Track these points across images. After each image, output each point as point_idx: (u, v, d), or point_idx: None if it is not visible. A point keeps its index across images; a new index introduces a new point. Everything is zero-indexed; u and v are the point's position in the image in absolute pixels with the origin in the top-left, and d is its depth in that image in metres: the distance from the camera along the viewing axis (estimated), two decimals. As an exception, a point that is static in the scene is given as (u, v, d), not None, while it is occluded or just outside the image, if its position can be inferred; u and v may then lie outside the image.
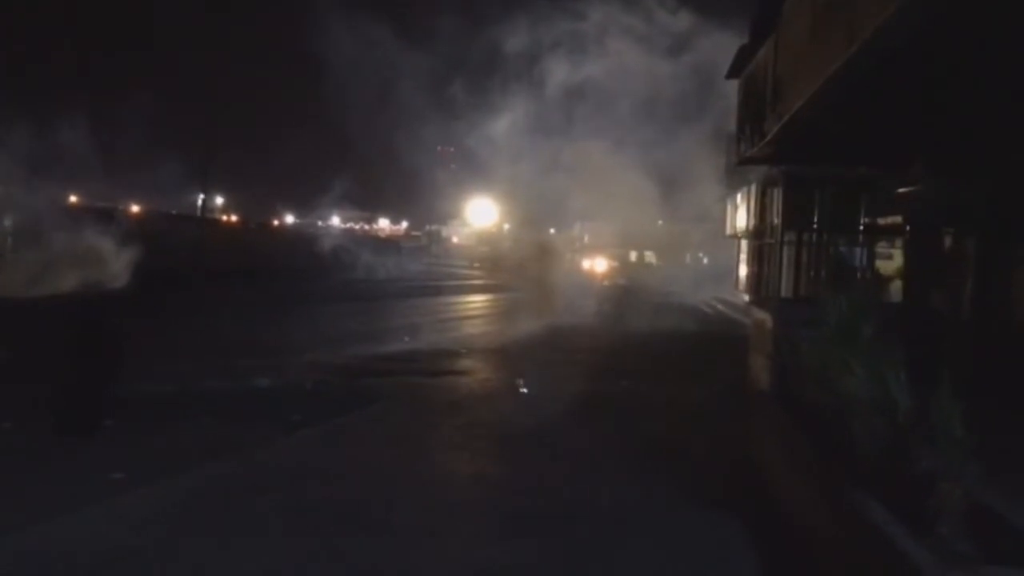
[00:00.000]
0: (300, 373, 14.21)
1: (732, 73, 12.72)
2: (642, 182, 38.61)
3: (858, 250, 12.66)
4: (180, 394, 12.32)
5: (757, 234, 12.57)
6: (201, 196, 53.27)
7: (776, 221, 11.69)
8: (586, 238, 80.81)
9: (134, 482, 7.72)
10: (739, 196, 30.57)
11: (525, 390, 13.26)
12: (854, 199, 12.04)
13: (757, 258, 12.60)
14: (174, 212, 47.55)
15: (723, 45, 25.58)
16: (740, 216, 30.07)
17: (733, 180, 31.65)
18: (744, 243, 32.98)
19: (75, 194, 49.37)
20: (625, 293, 35.90)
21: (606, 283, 47.02)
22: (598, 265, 59.92)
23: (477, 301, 33.96)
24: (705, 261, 52.74)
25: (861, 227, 12.35)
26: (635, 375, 15.12)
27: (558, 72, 35.64)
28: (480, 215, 75.45)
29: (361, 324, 22.64)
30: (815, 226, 11.83)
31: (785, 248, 11.81)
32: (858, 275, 12.05)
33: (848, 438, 5.79)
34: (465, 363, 16.27)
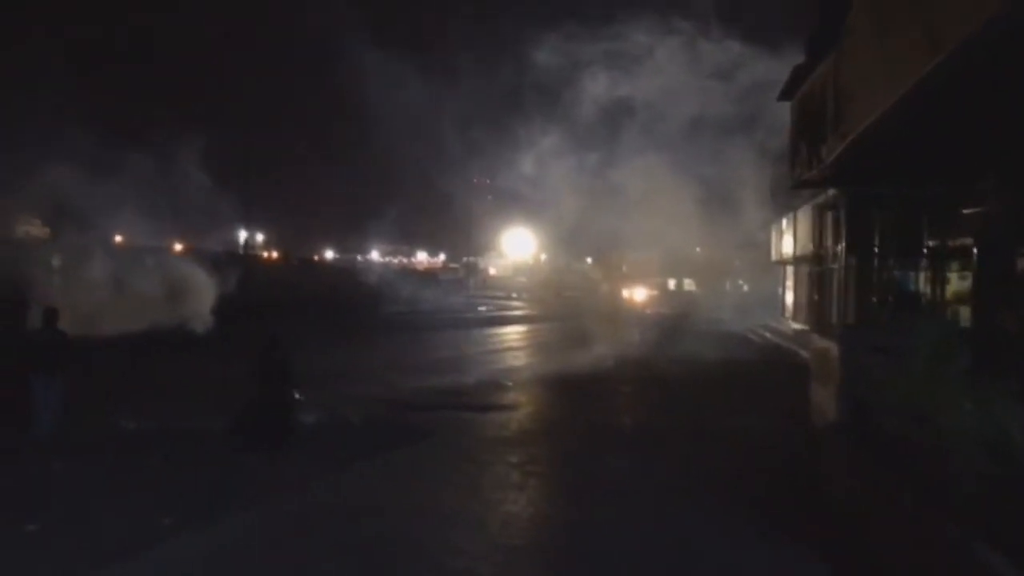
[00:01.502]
0: (347, 407, 14.04)
1: (785, 95, 12.41)
2: (681, 209, 38.22)
3: (912, 274, 12.16)
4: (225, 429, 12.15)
5: (817, 259, 12.10)
6: (244, 233, 54.00)
7: (838, 245, 11.25)
8: (624, 267, 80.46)
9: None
10: (785, 222, 30.07)
11: (580, 422, 12.87)
12: (916, 220, 11.59)
13: (817, 284, 12.11)
14: (218, 249, 48.07)
15: (767, 68, 25.24)
16: (787, 242, 29.53)
17: (778, 206, 31.22)
18: (790, 269, 32.48)
19: (118, 233, 50.32)
20: (668, 322, 35.30)
21: (648, 312, 46.40)
22: (638, 294, 59.29)
23: (518, 332, 33.63)
24: (745, 288, 51.92)
25: (924, 250, 11.86)
26: (690, 406, 14.65)
27: (594, 100, 35.50)
28: (516, 246, 75.54)
29: (406, 357, 22.62)
30: (876, 249, 11.41)
31: (846, 273, 11.37)
32: (920, 300, 11.57)
33: (947, 475, 5.36)
34: (512, 397, 15.90)
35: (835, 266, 11.15)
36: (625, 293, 60.67)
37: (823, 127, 10.39)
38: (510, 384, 17.77)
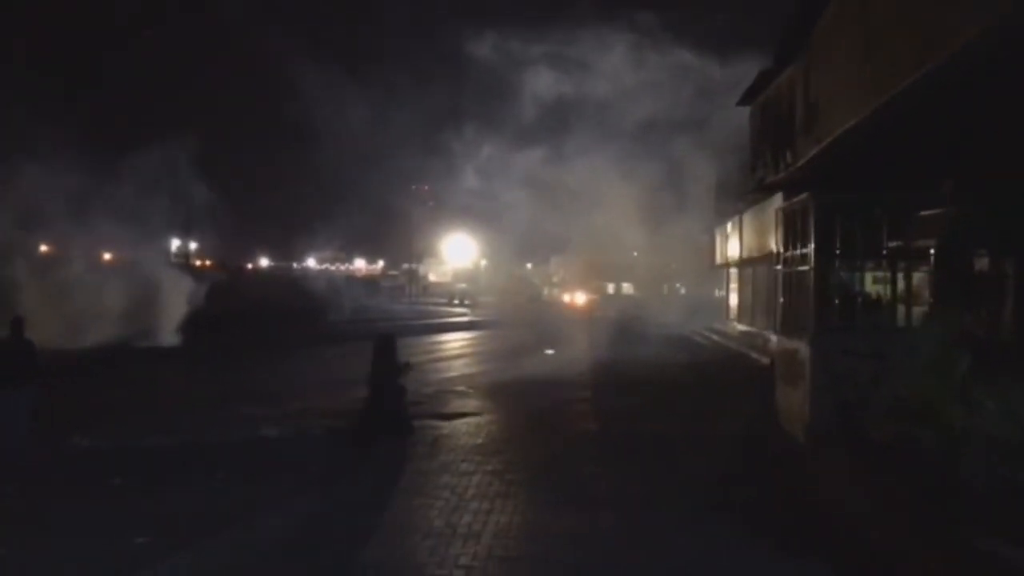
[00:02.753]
0: (307, 420, 13.74)
1: (746, 99, 12.60)
2: (620, 214, 38.61)
3: (876, 276, 12.31)
4: (184, 447, 11.73)
5: (781, 261, 12.25)
6: (176, 242, 52.42)
7: (802, 247, 11.39)
8: (562, 272, 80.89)
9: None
10: (730, 225, 30.61)
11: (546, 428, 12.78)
12: (879, 222, 11.78)
13: (784, 286, 12.25)
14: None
15: (713, 74, 25.75)
16: (732, 245, 30.06)
17: (721, 210, 31.77)
18: (734, 272, 33.06)
19: (44, 243, 48.30)
20: (613, 326, 35.52)
21: (591, 316, 46.61)
22: (578, 298, 59.61)
23: (466, 339, 33.45)
24: (682, 292, 52.71)
25: (884, 251, 12.09)
26: (655, 411, 14.68)
27: (533, 105, 35.59)
28: (456, 252, 75.33)
29: (356, 368, 22.20)
30: (838, 251, 11.55)
31: (813, 275, 11.49)
32: (859, 300, 11.71)
33: (958, 476, 5.42)
34: (474, 403, 15.73)
35: (801, 268, 11.28)
36: (566, 297, 61.04)
37: (790, 131, 10.55)
38: (469, 391, 17.61)
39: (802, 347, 11.06)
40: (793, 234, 11.54)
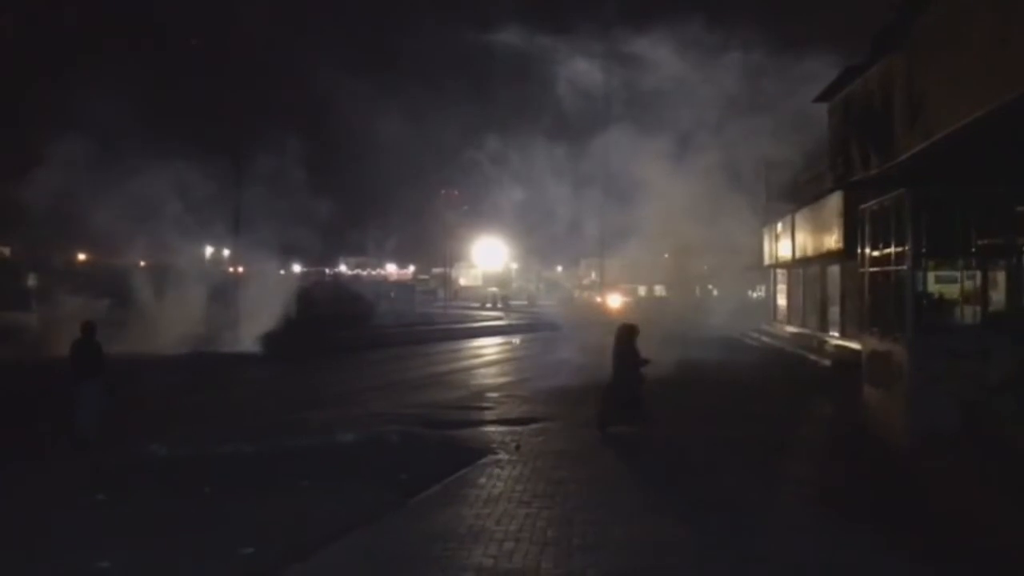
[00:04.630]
0: (377, 425, 13.54)
1: (825, 96, 12.26)
2: (651, 215, 38.20)
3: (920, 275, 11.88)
4: (263, 454, 11.58)
5: (873, 261, 11.86)
6: (209, 249, 52.63)
7: (895, 247, 11.03)
8: (593, 274, 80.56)
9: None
10: (780, 225, 30.10)
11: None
12: (970, 219, 11.39)
13: (875, 287, 11.87)
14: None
15: (762, 73, 25.29)
16: (783, 245, 29.55)
17: (770, 210, 31.30)
18: (781, 273, 32.56)
19: (80, 251, 48.64)
20: (655, 329, 35.06)
21: (627, 319, 46.09)
22: (612, 301, 59.20)
23: (509, 343, 33.22)
24: (715, 293, 52.13)
25: (974, 249, 11.71)
26: (730, 415, 14.30)
27: (566, 109, 35.23)
28: (487, 256, 75.21)
29: (409, 371, 22.34)
30: (934, 250, 11.17)
31: (905, 275, 11.11)
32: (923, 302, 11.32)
33: None
34: (541, 409, 15.44)
35: (892, 267, 10.92)
36: (599, 300, 60.69)
37: (884, 126, 10.21)
38: (528, 396, 17.38)
39: (897, 348, 10.72)
40: (883, 233, 11.20)
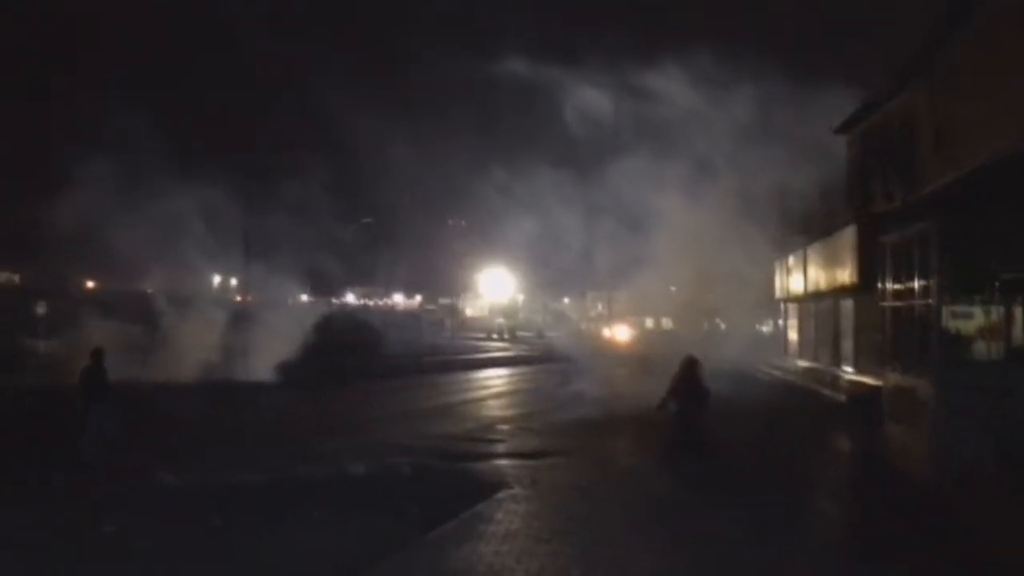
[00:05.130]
0: (389, 456, 13.32)
1: (844, 128, 12.18)
2: (658, 248, 38.03)
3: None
4: (273, 484, 11.38)
5: (894, 295, 11.67)
6: (217, 277, 52.64)
7: (919, 281, 10.85)
8: (600, 306, 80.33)
9: None
10: (792, 258, 29.92)
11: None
12: (990, 251, 11.22)
13: (896, 322, 11.67)
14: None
15: (772, 106, 25.26)
16: (795, 279, 29.34)
17: (781, 242, 31.09)
18: (792, 307, 32.30)
19: (90, 278, 48.62)
20: (665, 362, 34.75)
21: (635, 352, 45.83)
22: (620, 333, 58.84)
23: (519, 374, 32.98)
24: (723, 327, 51.80)
25: (997, 284, 11.52)
26: (750, 449, 14.00)
27: (575, 139, 35.17)
28: (493, 287, 75.07)
29: (419, 400, 22.11)
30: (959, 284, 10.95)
31: (930, 309, 10.91)
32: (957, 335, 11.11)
33: None
34: (554, 442, 15.17)
35: (915, 301, 10.72)
36: (606, 332, 60.36)
37: (907, 158, 10.09)
38: (540, 429, 17.13)
39: (922, 384, 10.51)
40: (905, 266, 11.03)
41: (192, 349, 25.66)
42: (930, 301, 10.16)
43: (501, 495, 10.51)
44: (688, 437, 12.20)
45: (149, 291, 37.06)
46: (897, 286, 11.40)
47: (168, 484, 11.20)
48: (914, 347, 10.90)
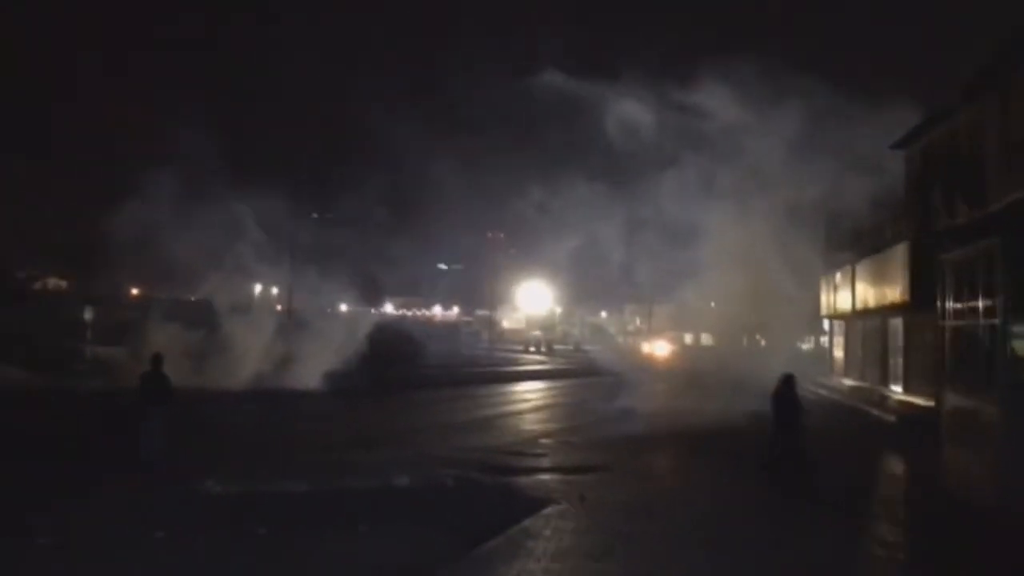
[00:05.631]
0: (431, 468, 13.24)
1: (903, 144, 11.89)
2: (700, 263, 37.54)
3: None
4: (317, 495, 11.34)
5: (955, 314, 11.29)
6: (258, 287, 53.20)
7: (983, 300, 10.47)
8: (638, 321, 79.76)
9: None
10: (839, 275, 29.40)
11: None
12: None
13: (957, 342, 11.29)
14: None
15: (820, 122, 24.76)
16: (842, 297, 28.80)
17: (828, 260, 30.59)
18: (838, 324, 31.71)
19: (134, 285, 49.42)
20: (708, 378, 34.30)
21: (677, 367, 45.31)
22: (659, 348, 58.28)
23: (558, 387, 32.86)
24: (763, 344, 51.02)
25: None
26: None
27: (616, 153, 34.80)
28: (531, 299, 74.93)
29: (459, 412, 22.08)
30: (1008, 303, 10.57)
31: (994, 329, 10.51)
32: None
33: None
34: (599, 457, 14.93)
35: (980, 321, 10.36)
36: (646, 347, 59.81)
37: (973, 174, 9.77)
38: (580, 443, 16.94)
39: (986, 406, 10.14)
40: (968, 284, 10.68)
41: (245, 357, 26.18)
42: (995, 321, 9.79)
43: (548, 511, 10.31)
44: (784, 454, 12.14)
45: (209, 299, 37.83)
46: (958, 305, 11.03)
47: (217, 491, 11.25)
48: (976, 368, 10.52)
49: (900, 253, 20.35)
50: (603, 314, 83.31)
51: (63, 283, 54.46)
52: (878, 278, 22.51)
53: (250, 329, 28.15)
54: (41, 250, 46.41)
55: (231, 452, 14.53)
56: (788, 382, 12.86)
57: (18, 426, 16.27)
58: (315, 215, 38.91)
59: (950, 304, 11.29)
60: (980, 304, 10.27)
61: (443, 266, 55.86)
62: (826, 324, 41.93)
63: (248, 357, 26.38)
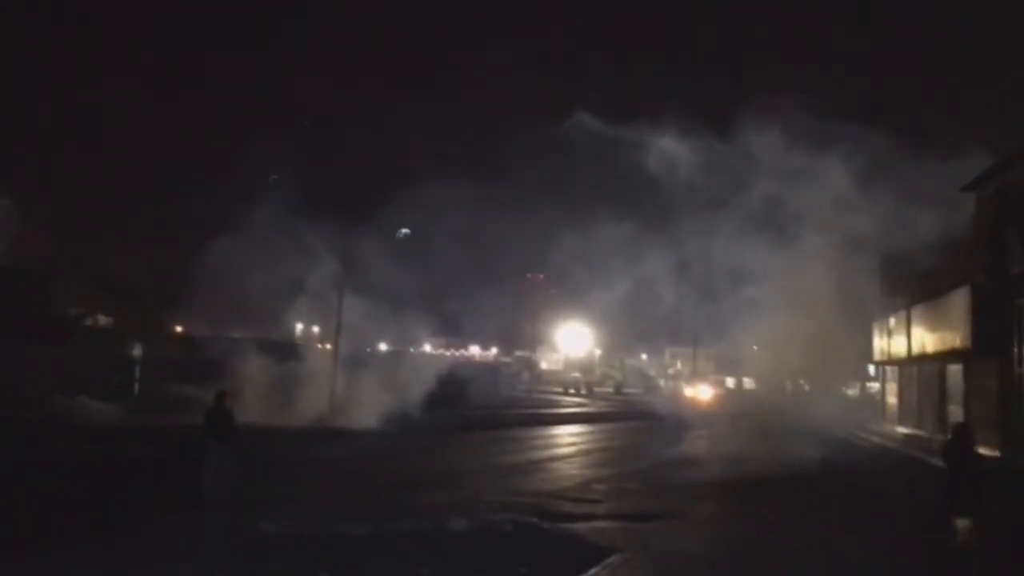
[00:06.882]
0: (487, 512, 13.03)
1: (976, 185, 11.63)
2: (742, 307, 37.13)
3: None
4: (375, 537, 11.19)
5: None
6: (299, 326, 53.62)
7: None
8: (679, 363, 78.86)
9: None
10: (893, 320, 28.82)
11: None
12: None
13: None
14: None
15: (874, 165, 24.50)
16: (896, 342, 28.19)
17: (880, 305, 30.03)
18: (891, 370, 31.00)
19: (178, 324, 50.04)
20: (755, 424, 33.66)
21: (722, 412, 44.54)
22: (702, 392, 57.52)
23: (603, 431, 32.30)
24: (806, 388, 50.10)
25: None
26: (872, 522, 13.27)
27: (657, 198, 34.67)
28: (570, 341, 74.54)
29: (507, 454, 21.92)
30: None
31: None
32: None
33: None
34: (656, 504, 14.61)
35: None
36: (688, 391, 59.05)
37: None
38: (637, 489, 16.61)
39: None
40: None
41: (305, 396, 26.69)
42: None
43: (613, 560, 10.04)
44: (960, 505, 11.74)
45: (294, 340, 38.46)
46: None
47: (279, 531, 11.14)
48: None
49: (961, 297, 19.83)
50: (643, 356, 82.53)
51: (109, 319, 55.37)
52: (936, 323, 21.99)
53: (318, 368, 28.70)
54: (91, 288, 47.32)
55: (293, 490, 14.57)
56: (962, 430, 12.14)
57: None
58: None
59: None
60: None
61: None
62: (872, 370, 41.14)
63: (315, 395, 26.86)
